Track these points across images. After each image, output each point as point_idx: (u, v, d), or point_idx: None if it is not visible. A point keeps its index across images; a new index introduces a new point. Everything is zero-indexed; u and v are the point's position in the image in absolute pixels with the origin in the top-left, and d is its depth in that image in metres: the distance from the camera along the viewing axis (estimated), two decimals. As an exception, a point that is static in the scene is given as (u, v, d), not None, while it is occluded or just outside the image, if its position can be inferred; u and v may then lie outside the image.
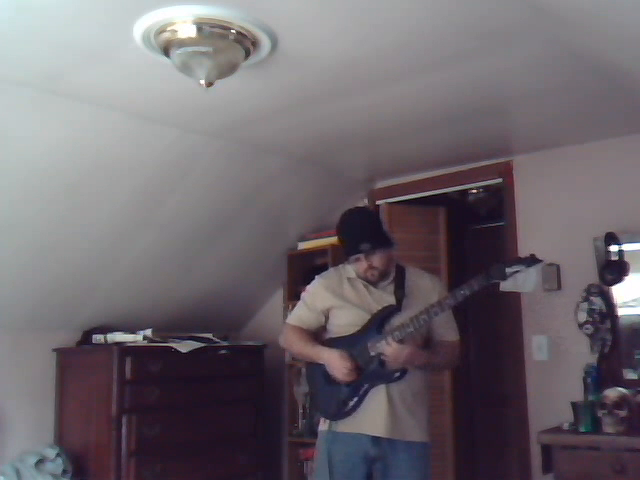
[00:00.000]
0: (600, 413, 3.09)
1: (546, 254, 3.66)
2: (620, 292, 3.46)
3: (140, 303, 3.97)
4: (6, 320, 3.52)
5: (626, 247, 3.41)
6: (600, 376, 3.31)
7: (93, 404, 3.56)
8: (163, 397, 3.62)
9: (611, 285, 3.45)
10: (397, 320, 2.60)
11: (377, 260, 2.63)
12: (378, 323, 2.62)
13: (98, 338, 3.73)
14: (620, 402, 3.06)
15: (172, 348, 3.71)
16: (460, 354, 2.82)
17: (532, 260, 2.59)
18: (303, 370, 3.88)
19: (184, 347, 3.74)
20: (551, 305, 3.69)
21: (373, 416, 2.58)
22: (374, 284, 2.70)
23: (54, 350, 3.77)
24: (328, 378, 2.65)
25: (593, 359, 3.44)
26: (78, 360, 3.78)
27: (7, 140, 2.81)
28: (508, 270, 2.54)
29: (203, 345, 3.86)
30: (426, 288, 2.72)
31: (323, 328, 2.79)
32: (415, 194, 4.34)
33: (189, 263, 4.01)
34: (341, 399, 2.62)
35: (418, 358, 2.61)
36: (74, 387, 3.70)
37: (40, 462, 3.37)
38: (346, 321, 2.68)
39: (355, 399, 2.61)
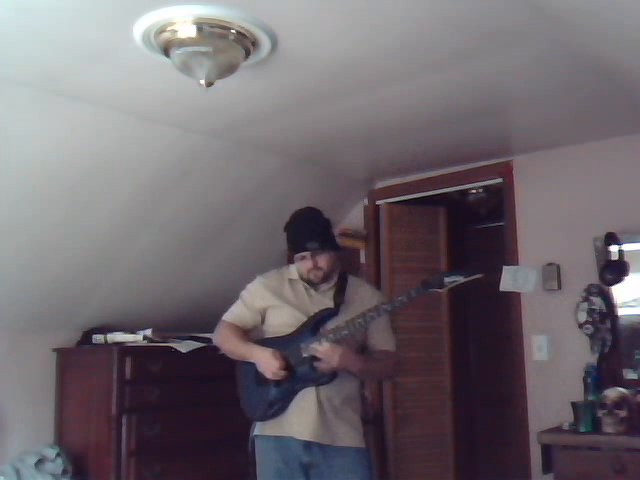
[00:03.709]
0: (600, 413, 3.09)
1: (546, 254, 3.70)
2: (620, 292, 3.47)
3: (140, 303, 3.96)
4: (6, 320, 3.52)
5: (626, 247, 3.42)
6: (600, 376, 3.31)
7: (93, 404, 3.56)
8: (163, 397, 3.62)
9: (611, 285, 3.46)
10: (333, 324, 2.59)
11: (322, 260, 2.64)
12: (313, 325, 2.61)
13: (98, 338, 3.73)
14: (620, 402, 3.06)
15: (172, 348, 3.71)
16: (398, 366, 2.82)
17: (471, 271, 2.62)
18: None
19: (184, 347, 3.74)
20: (551, 305, 3.69)
21: (301, 419, 2.56)
22: (315, 287, 2.69)
23: (54, 350, 3.77)
24: (258, 378, 2.64)
25: (593, 359, 3.44)
26: (78, 360, 3.77)
27: (7, 140, 2.81)
28: (447, 280, 2.58)
29: (203, 345, 3.85)
30: (365, 297, 2.71)
31: (257, 328, 2.77)
32: (415, 194, 4.34)
33: (189, 263, 4.01)
34: (268, 400, 2.61)
35: (352, 361, 2.57)
36: (74, 387, 3.70)
37: (40, 462, 3.37)
38: (281, 321, 2.67)
39: (282, 401, 2.60)
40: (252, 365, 2.65)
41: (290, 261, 4.43)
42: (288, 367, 2.57)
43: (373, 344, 2.71)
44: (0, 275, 3.29)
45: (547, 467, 3.20)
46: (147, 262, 3.79)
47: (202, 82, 2.34)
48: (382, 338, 2.72)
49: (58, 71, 2.55)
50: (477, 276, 2.60)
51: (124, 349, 3.58)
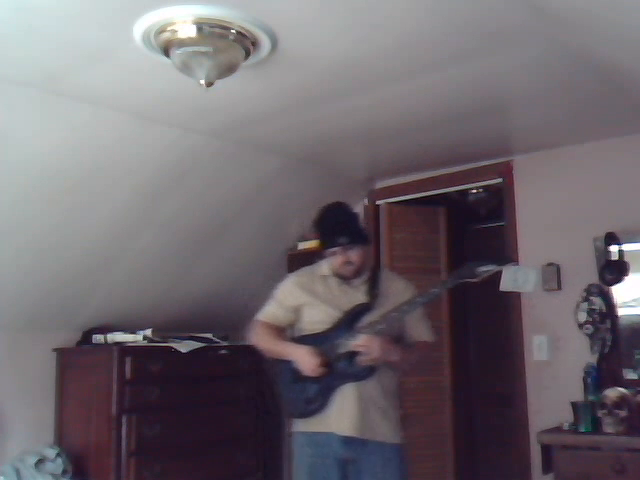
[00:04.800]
0: (600, 413, 3.09)
1: (546, 254, 3.70)
2: (620, 292, 3.47)
3: (140, 303, 3.96)
4: (6, 320, 3.52)
5: (626, 247, 3.42)
6: (600, 376, 3.32)
7: (93, 404, 3.56)
8: (163, 397, 3.62)
9: (611, 285, 3.46)
10: (368, 319, 2.59)
11: (354, 255, 2.63)
12: (349, 321, 2.61)
13: (98, 338, 3.73)
14: (620, 402, 3.06)
15: (172, 348, 3.71)
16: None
17: (503, 259, 2.63)
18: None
19: (184, 347, 3.74)
20: (551, 305, 3.69)
21: (342, 415, 2.57)
22: (348, 282, 2.68)
23: (54, 350, 3.77)
24: (296, 376, 2.64)
25: (593, 359, 3.44)
26: (78, 360, 3.77)
27: (7, 140, 2.81)
28: (479, 269, 2.55)
29: (203, 345, 3.86)
30: (399, 290, 2.71)
31: (291, 326, 2.77)
32: (415, 194, 4.34)
33: (189, 263, 4.01)
34: (308, 397, 2.62)
35: (391, 351, 2.57)
36: (74, 387, 3.70)
37: (40, 462, 3.37)
38: (317, 318, 2.67)
39: (322, 397, 2.60)
40: (288, 363, 2.65)
41: (290, 261, 4.46)
42: (326, 363, 2.57)
43: (410, 335, 2.72)
44: (0, 275, 3.29)
45: (547, 467, 3.20)
46: (147, 262, 3.79)
47: (202, 82, 2.34)
48: (419, 329, 2.73)
49: (58, 71, 2.55)
50: (510, 264, 2.58)
51: (124, 349, 3.58)
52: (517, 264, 2.60)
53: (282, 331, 2.76)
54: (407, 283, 2.82)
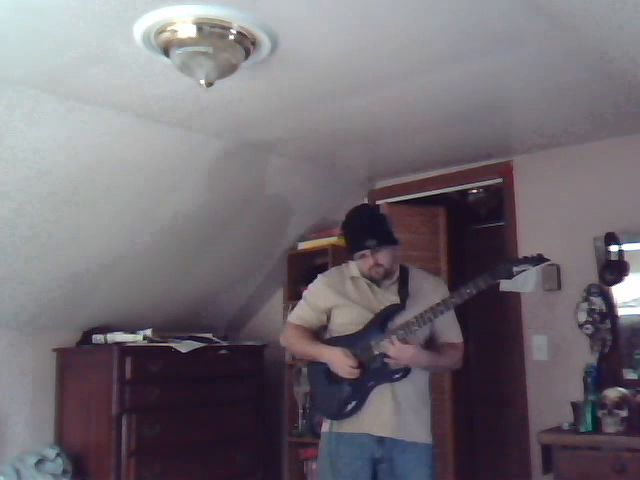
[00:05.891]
0: (600, 413, 3.09)
1: (546, 254, 3.69)
2: (620, 292, 3.47)
3: (140, 303, 3.96)
4: (6, 320, 3.52)
5: (626, 247, 3.42)
6: (600, 376, 3.31)
7: (93, 404, 3.56)
8: (163, 397, 3.62)
9: (611, 285, 3.46)
10: (401, 319, 2.58)
11: (383, 257, 2.61)
12: (381, 322, 2.60)
13: (98, 338, 3.73)
14: (620, 402, 3.06)
15: (172, 348, 3.71)
16: (463, 357, 2.79)
17: (539, 259, 2.56)
18: (304, 370, 3.87)
19: (184, 347, 3.74)
20: (551, 305, 3.69)
21: (377, 416, 2.56)
22: (378, 283, 2.67)
23: (54, 350, 3.77)
24: (330, 377, 2.63)
25: (593, 359, 3.44)
26: (78, 360, 3.78)
27: (7, 140, 2.81)
28: (515, 269, 2.51)
29: (203, 345, 3.86)
30: (430, 289, 2.70)
31: (324, 327, 2.76)
32: (415, 194, 4.34)
33: (189, 263, 4.01)
34: (342, 399, 2.60)
35: (421, 359, 2.58)
36: (74, 387, 3.70)
37: (40, 462, 3.37)
38: (348, 320, 2.66)
39: (357, 399, 2.59)
40: (322, 364, 2.64)
41: (290, 261, 4.46)
42: (361, 364, 2.56)
43: (439, 335, 2.70)
44: (0, 275, 3.29)
45: (547, 467, 3.20)
46: (147, 262, 3.79)
47: (202, 82, 2.34)
48: (449, 330, 2.71)
49: (58, 71, 2.55)
50: (546, 263, 2.55)
51: (124, 349, 3.58)
52: (549, 261, 2.56)
53: (314, 333, 2.74)
54: (437, 280, 2.81)
